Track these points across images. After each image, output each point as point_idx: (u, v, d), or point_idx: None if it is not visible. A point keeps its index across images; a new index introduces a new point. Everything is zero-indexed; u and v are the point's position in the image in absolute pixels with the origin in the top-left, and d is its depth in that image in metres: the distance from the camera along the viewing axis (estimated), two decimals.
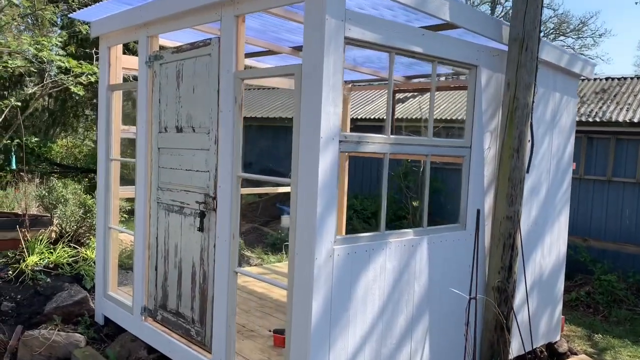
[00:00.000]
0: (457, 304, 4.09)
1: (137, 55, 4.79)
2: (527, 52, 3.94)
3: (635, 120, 8.04)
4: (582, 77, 5.20)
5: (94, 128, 14.73)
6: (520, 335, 4.49)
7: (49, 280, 5.75)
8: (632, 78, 9.97)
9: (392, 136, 3.53)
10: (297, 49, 5.60)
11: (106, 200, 5.28)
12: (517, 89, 3.97)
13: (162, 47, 4.72)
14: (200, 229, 3.98)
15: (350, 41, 3.16)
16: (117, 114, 5.28)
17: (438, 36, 3.70)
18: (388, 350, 3.60)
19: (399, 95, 11.56)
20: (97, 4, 4.85)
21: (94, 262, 6.17)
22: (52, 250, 6.19)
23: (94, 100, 14.30)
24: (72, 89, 8.89)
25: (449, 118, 10.04)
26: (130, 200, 7.86)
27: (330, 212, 3.14)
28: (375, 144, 3.44)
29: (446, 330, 4.03)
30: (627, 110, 8.40)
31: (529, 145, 4.15)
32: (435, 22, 3.89)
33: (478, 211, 3.99)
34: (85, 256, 6.27)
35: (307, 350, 3.12)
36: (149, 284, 4.67)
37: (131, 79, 7.88)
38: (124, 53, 5.40)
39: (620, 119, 8.13)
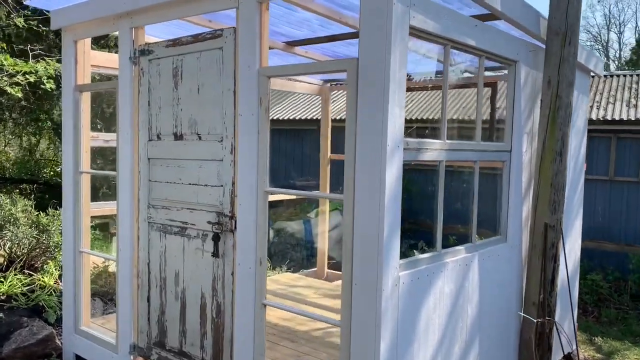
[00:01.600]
0: (502, 324, 3.72)
1: (106, 50, 4.09)
2: (570, 47, 3.63)
3: (608, 117, 8.09)
4: (592, 74, 5.01)
5: (24, 133, 13.34)
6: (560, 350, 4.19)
7: (1, 315, 4.88)
8: (592, 76, 10.12)
9: (447, 141, 3.09)
10: (290, 44, 5.06)
11: (75, 220, 4.51)
12: (560, 87, 3.66)
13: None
14: (215, 254, 3.37)
15: (412, 31, 2.69)
16: (86, 119, 4.52)
17: (488, 28, 3.30)
18: None
19: None
20: None
21: (55, 291, 5.35)
22: (1, 279, 5.30)
23: (22, 102, 12.96)
24: (9, 90, 7.82)
25: (429, 118, 9.75)
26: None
27: (396, 233, 2.65)
28: (433, 150, 2.99)
29: (494, 354, 3.65)
30: (597, 108, 8.46)
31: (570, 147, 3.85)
32: (477, 11, 3.49)
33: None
34: (43, 284, 5.42)
35: None
36: (138, 317, 3.98)
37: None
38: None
39: (594, 117, 8.17)
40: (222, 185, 3.36)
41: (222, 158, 3.35)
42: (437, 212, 3.09)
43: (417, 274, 2.85)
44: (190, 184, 3.56)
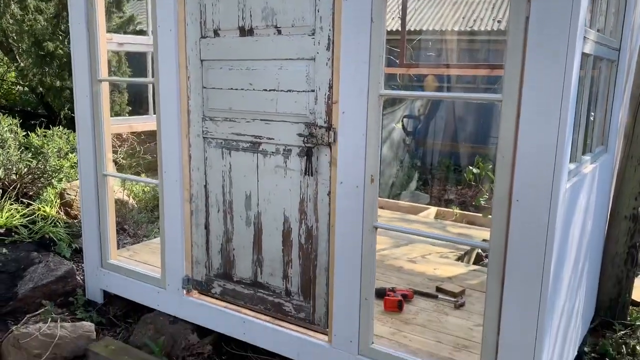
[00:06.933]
0: (597, 240, 3.49)
1: None
2: None
3: None
4: None
5: None
6: None
7: (5, 250, 4.22)
8: None
9: (597, 33, 2.64)
10: None
11: (95, 139, 3.82)
12: None
13: None
14: (308, 172, 2.86)
15: None
16: (102, 13, 3.72)
17: None
18: (571, 302, 2.90)
19: None
20: None
21: (59, 221, 4.70)
22: None
23: None
24: None
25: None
26: None
27: (570, 138, 2.24)
28: (590, 42, 2.52)
29: (594, 269, 3.44)
30: None
31: None
32: None
33: None
34: (45, 214, 4.74)
35: (543, 317, 2.30)
36: (192, 247, 3.47)
37: None
38: None
39: None
40: (313, 90, 2.80)
41: (313, 56, 2.76)
42: (580, 113, 2.68)
43: (573, 186, 2.48)
44: (265, 90, 2.97)
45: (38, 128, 5.20)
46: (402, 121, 7.17)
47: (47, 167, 4.87)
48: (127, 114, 7.46)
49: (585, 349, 3.43)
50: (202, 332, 3.54)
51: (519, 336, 2.33)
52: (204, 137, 3.27)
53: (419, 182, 7.56)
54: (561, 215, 2.28)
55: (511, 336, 2.35)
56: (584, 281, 3.16)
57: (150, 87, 4.91)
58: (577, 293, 3.03)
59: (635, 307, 3.97)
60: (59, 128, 5.20)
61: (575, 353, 3.32)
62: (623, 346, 3.42)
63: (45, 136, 5.07)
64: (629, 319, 3.79)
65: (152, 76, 3.90)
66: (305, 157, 2.85)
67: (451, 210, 6.03)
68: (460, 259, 4.48)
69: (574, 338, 3.17)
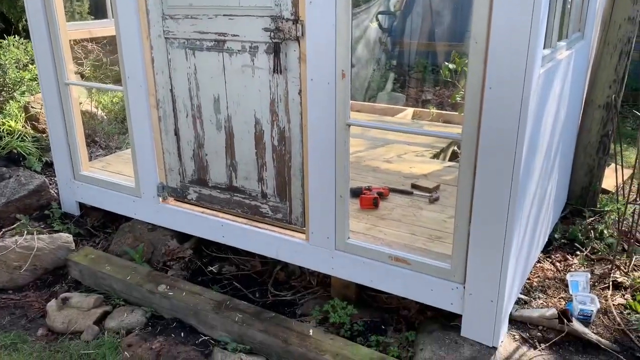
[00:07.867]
0: (571, 130, 3.50)
1: None
2: None
3: None
4: None
5: None
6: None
7: None
8: None
9: None
10: None
11: (53, 45, 3.62)
12: None
13: None
14: (276, 70, 2.75)
15: None
16: None
17: None
18: (542, 191, 2.95)
19: None
20: None
21: (26, 136, 4.56)
22: None
23: None
24: None
25: None
26: None
27: (545, 17, 2.15)
28: None
29: (567, 159, 3.48)
30: None
31: None
32: None
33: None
34: (10, 129, 4.58)
35: (514, 205, 2.34)
36: (164, 155, 3.40)
37: None
38: None
39: None
40: None
41: None
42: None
43: (547, 73, 2.43)
44: None
45: None
46: (377, 17, 6.89)
47: (7, 79, 4.64)
48: None
49: (556, 235, 3.55)
50: (182, 237, 3.57)
51: (490, 224, 2.37)
52: (165, 38, 3.10)
53: (396, 84, 7.44)
54: (534, 101, 2.24)
55: (482, 224, 2.39)
56: (555, 170, 3.20)
57: None
58: (549, 181, 3.07)
59: (605, 195, 4.07)
60: (14, 37, 4.90)
61: (546, 240, 3.43)
62: (591, 231, 3.54)
63: (0, 47, 4.78)
64: (598, 206, 3.90)
65: None
66: (273, 53, 2.73)
67: (428, 110, 5.99)
68: (435, 156, 4.50)
69: (545, 225, 3.26)
